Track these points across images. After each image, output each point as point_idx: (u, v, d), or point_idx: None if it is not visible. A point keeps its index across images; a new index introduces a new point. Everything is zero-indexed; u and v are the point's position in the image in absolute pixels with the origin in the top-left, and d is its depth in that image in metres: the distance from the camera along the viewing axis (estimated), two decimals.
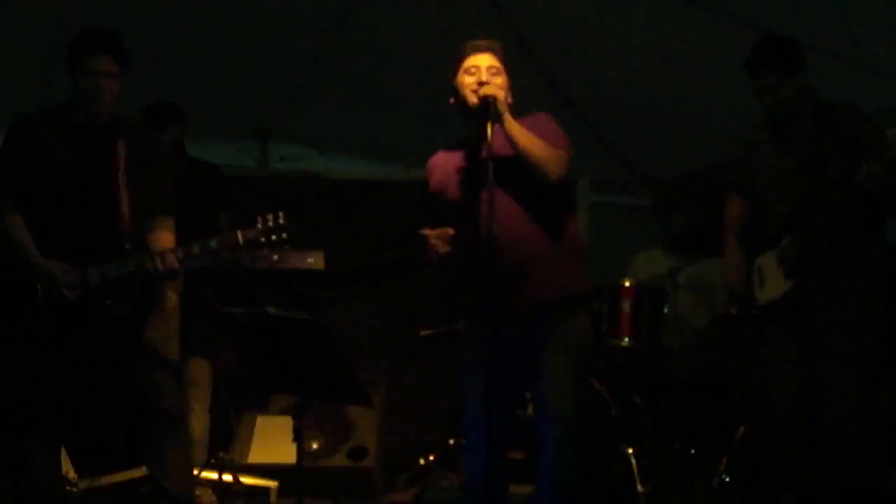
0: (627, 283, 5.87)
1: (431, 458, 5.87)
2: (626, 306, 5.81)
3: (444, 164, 4.13)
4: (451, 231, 3.89)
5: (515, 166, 3.84)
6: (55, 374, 4.20)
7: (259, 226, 4.05)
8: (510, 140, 3.82)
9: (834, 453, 4.21)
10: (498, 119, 3.80)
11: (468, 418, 4.05)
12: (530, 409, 4.88)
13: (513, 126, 3.83)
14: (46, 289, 4.08)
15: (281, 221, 4.05)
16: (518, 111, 3.97)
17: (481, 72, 3.94)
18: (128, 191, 4.20)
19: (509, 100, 3.97)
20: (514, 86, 4.02)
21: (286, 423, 5.89)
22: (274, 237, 4.04)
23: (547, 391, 3.91)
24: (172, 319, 4.75)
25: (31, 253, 4.10)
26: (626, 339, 5.79)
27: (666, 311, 5.83)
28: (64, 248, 4.13)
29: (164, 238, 4.28)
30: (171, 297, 4.82)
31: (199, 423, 5.59)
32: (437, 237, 3.87)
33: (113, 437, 4.87)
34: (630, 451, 5.48)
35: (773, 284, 4.33)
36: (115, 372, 4.31)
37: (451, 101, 4.02)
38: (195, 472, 5.23)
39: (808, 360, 4.27)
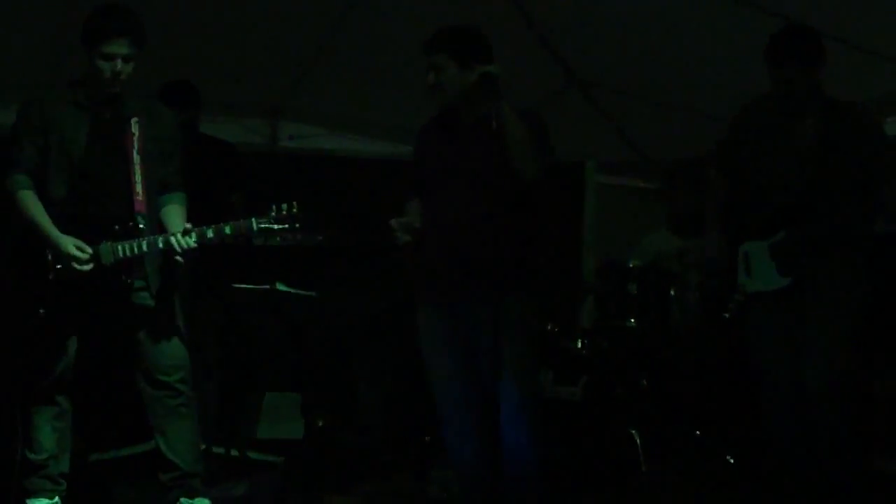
0: (633, 265, 5.89)
1: (438, 435, 5.90)
2: (633, 287, 5.83)
3: (429, 135, 4.22)
4: (415, 223, 4.00)
5: (489, 159, 3.89)
6: (66, 348, 4.24)
7: (273, 213, 4.08)
8: (503, 123, 3.85)
9: (822, 436, 4.25)
10: (498, 98, 3.84)
11: (445, 405, 4.10)
12: None
13: (509, 109, 3.88)
14: (59, 263, 4.12)
15: (294, 210, 4.07)
16: (528, 91, 4.00)
17: (429, 73, 4.04)
18: (141, 169, 4.23)
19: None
20: (522, 61, 4.07)
21: (293, 399, 5.98)
22: (287, 225, 4.07)
23: (503, 370, 3.98)
24: (182, 296, 4.79)
25: (45, 228, 4.13)
26: (633, 321, 5.82)
27: (673, 292, 5.85)
28: (78, 227, 4.15)
29: (176, 214, 4.31)
30: (181, 274, 4.86)
31: (206, 400, 5.63)
32: (401, 227, 3.95)
33: (123, 410, 4.90)
34: (635, 432, 5.51)
35: (763, 275, 4.35)
36: (124, 346, 4.33)
37: None
38: (202, 446, 5.28)
39: (795, 348, 4.30)
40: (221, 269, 5.57)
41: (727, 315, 4.49)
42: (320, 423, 6.01)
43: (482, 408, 4.07)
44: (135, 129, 4.25)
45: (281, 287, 5.19)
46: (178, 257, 4.16)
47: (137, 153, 4.23)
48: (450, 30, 4.11)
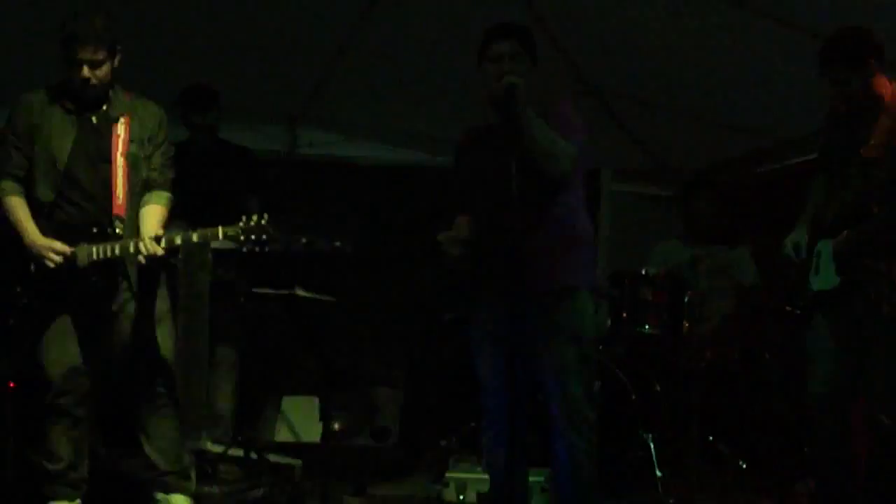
0: (648, 272, 5.92)
1: (454, 439, 5.95)
2: (647, 294, 5.86)
3: (467, 142, 4.23)
4: (462, 234, 3.99)
5: (522, 160, 3.89)
6: (65, 354, 4.28)
7: (241, 224, 4.08)
8: (523, 131, 3.86)
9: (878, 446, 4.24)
10: (518, 108, 3.85)
11: (489, 407, 4.14)
12: None
13: (529, 118, 3.88)
14: (35, 262, 4.20)
15: (263, 222, 4.07)
16: (543, 98, 4.02)
17: (503, 60, 3.99)
18: (124, 171, 4.26)
19: (533, 81, 4.01)
20: (538, 68, 4.07)
21: (311, 403, 6.04)
22: (253, 237, 4.06)
23: (550, 376, 3.99)
24: (202, 301, 4.85)
25: (25, 230, 4.21)
26: (647, 327, 5.85)
27: (686, 299, 5.87)
28: (60, 230, 4.22)
29: (152, 215, 4.33)
30: (201, 279, 4.93)
31: (225, 403, 5.68)
32: (449, 241, 3.96)
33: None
34: (649, 436, 5.54)
35: (825, 274, 4.32)
36: (106, 347, 4.39)
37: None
38: (221, 449, 5.35)
39: (849, 352, 4.29)
40: (239, 274, 5.64)
41: (798, 311, 4.47)
42: (337, 427, 6.07)
43: (523, 413, 4.08)
44: (120, 130, 4.28)
45: (300, 292, 5.24)
46: (142, 259, 4.16)
47: (121, 156, 4.27)
48: (520, 24, 4.09)
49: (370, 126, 7.17)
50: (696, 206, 6.44)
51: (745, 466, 5.59)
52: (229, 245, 4.21)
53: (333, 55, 6.16)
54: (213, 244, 4.37)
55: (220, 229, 4.09)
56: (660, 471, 5.44)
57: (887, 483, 4.22)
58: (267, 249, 4.08)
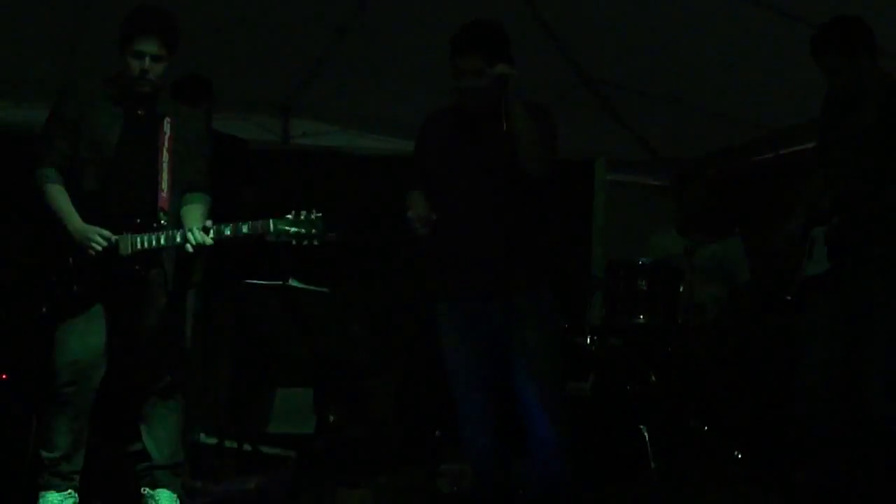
0: (642, 262, 5.92)
1: (447, 430, 5.95)
2: (642, 284, 5.85)
3: (436, 128, 4.21)
4: (432, 215, 3.99)
5: (499, 154, 3.90)
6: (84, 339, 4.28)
7: (291, 217, 4.09)
8: (514, 121, 3.85)
9: (870, 434, 4.25)
10: (510, 97, 3.85)
11: (463, 399, 4.16)
12: None
13: (521, 108, 3.88)
14: (78, 249, 4.18)
15: (314, 217, 4.08)
16: (537, 88, 4.01)
17: (466, 76, 3.96)
18: (169, 168, 4.29)
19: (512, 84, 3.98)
20: (535, 59, 4.06)
21: (306, 394, 6.03)
22: (304, 230, 4.08)
23: (523, 363, 4.01)
24: (195, 292, 4.83)
25: (69, 217, 4.20)
26: (642, 317, 5.84)
27: (681, 289, 5.88)
28: (103, 219, 4.21)
29: (196, 212, 4.34)
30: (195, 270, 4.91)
31: (219, 395, 5.67)
32: (419, 219, 3.96)
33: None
34: (644, 428, 5.54)
35: (819, 259, 4.34)
36: (130, 336, 4.40)
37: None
38: (215, 441, 5.34)
39: (841, 337, 4.29)
40: (235, 264, 5.62)
41: (790, 297, 4.48)
42: (332, 418, 6.06)
43: (497, 402, 4.10)
44: (167, 128, 4.32)
45: (294, 283, 5.24)
46: (189, 247, 4.17)
47: (167, 152, 4.30)
48: (482, 29, 4.04)
49: (363, 116, 7.16)
50: (689, 196, 6.44)
51: (740, 457, 5.58)
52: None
53: (327, 45, 6.15)
54: None
55: (270, 222, 4.10)
56: (655, 462, 5.44)
57: (882, 467, 4.23)
58: (317, 243, 4.07)
